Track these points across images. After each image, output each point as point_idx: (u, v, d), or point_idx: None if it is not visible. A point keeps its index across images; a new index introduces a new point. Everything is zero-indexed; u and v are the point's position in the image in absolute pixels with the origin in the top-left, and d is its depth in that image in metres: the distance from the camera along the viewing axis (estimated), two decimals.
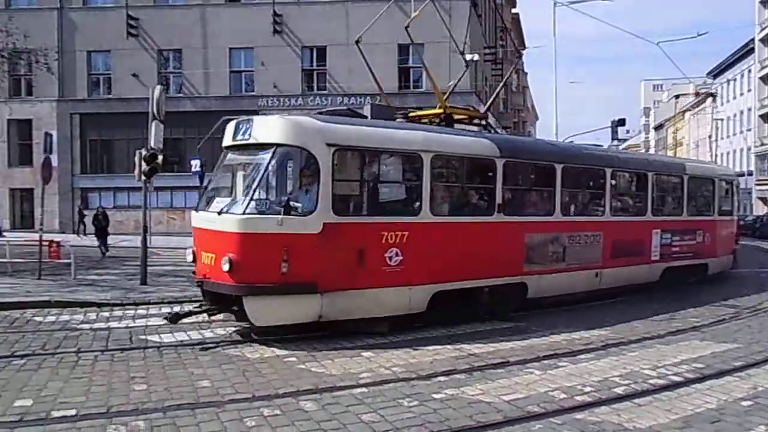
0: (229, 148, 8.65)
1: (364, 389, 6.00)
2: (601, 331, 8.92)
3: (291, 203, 7.63)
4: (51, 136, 15.97)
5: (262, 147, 8.08)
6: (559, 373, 6.70)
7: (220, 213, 7.83)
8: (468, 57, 27.77)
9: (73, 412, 5.27)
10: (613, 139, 37.11)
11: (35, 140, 28.74)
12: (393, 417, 5.23)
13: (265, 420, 5.15)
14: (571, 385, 6.21)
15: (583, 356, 7.48)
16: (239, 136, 8.32)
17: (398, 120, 9.84)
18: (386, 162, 8.68)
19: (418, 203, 8.57)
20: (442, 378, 6.42)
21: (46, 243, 14.38)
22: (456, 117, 10.64)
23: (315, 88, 30.20)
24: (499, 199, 9.51)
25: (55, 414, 5.23)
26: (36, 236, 14.45)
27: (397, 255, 8.23)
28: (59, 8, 30.57)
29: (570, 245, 10.61)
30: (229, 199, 8.30)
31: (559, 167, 10.46)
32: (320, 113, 9.14)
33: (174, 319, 8.48)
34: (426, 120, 10.40)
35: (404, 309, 8.52)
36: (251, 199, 7.78)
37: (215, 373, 6.48)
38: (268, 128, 8.11)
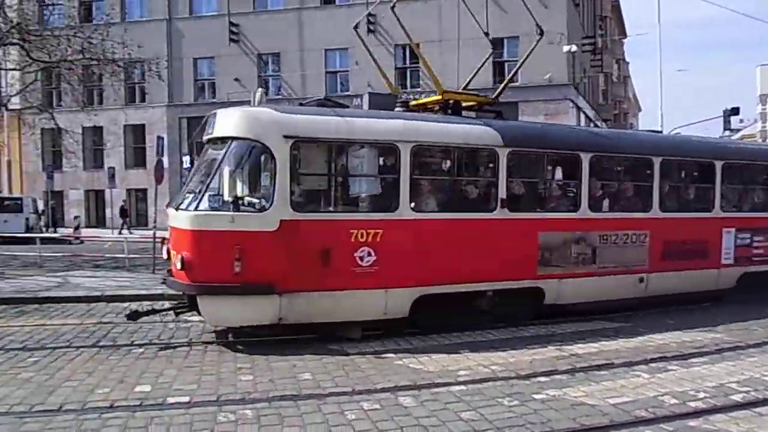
0: (205, 143, 8.44)
1: (462, 387, 5.97)
2: (714, 334, 8.37)
3: (242, 199, 7.40)
4: (162, 139, 17.02)
5: (222, 141, 7.83)
6: (668, 377, 6.36)
7: (177, 209, 7.70)
8: (565, 48, 27.03)
9: (186, 399, 5.59)
10: (725, 130, 34.74)
11: (148, 144, 30.77)
12: (493, 416, 5.17)
13: (366, 414, 5.23)
14: (682, 390, 5.87)
15: (695, 360, 7.06)
16: (208, 130, 8.09)
17: (396, 109, 8.91)
18: (356, 154, 7.95)
19: (395, 198, 7.82)
20: (542, 378, 6.27)
21: (159, 240, 15.32)
22: (464, 104, 9.48)
23: (408, 86, 30.32)
24: (502, 194, 8.47)
25: (171, 400, 5.57)
26: (150, 233, 15.42)
27: (369, 255, 7.59)
28: (168, 19, 32.49)
29: (602, 245, 9.29)
30: (191, 196, 7.95)
31: (586, 157, 9.16)
32: (300, 104, 8.90)
33: (133, 316, 8.28)
34: (430, 109, 9.51)
35: (379, 314, 7.82)
36: (204, 195, 7.51)
37: (316, 367, 6.65)
38: (226, 121, 7.83)
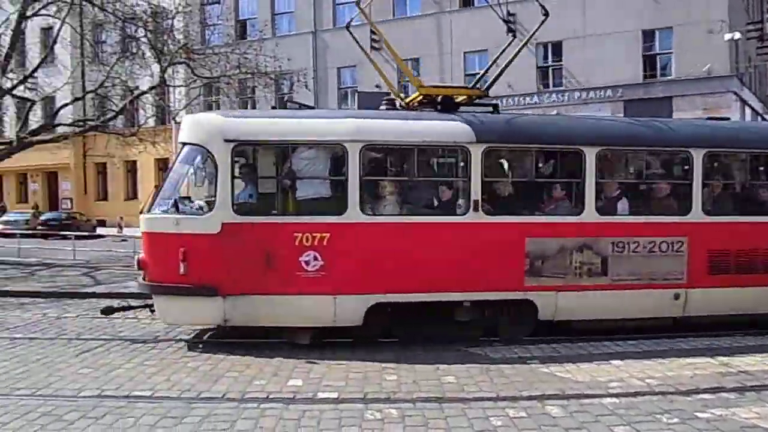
0: None
1: (614, 399, 5.66)
2: None
3: (186, 202, 7.76)
4: None
5: (181, 146, 8.20)
6: None
7: (140, 212, 8.10)
8: (727, 36, 24.78)
9: (335, 395, 5.82)
10: None
11: None
12: None
13: (511, 421, 5.13)
14: None
15: None
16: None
17: (381, 108, 8.46)
18: (303, 156, 7.64)
19: (343, 201, 7.44)
20: (706, 395, 5.77)
21: None
22: (457, 99, 8.62)
23: (551, 84, 29.41)
24: (476, 196, 7.62)
25: (321, 395, 5.83)
26: None
27: (316, 259, 7.35)
28: (313, 32, 34.15)
29: (616, 254, 7.97)
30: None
31: (591, 152, 7.90)
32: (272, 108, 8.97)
33: (107, 311, 8.56)
34: (414, 107, 8.74)
35: (328, 320, 7.51)
36: (158, 198, 7.93)
37: (459, 371, 6.63)
38: (182, 127, 8.18)
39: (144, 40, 18.10)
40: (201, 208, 7.90)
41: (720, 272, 8.23)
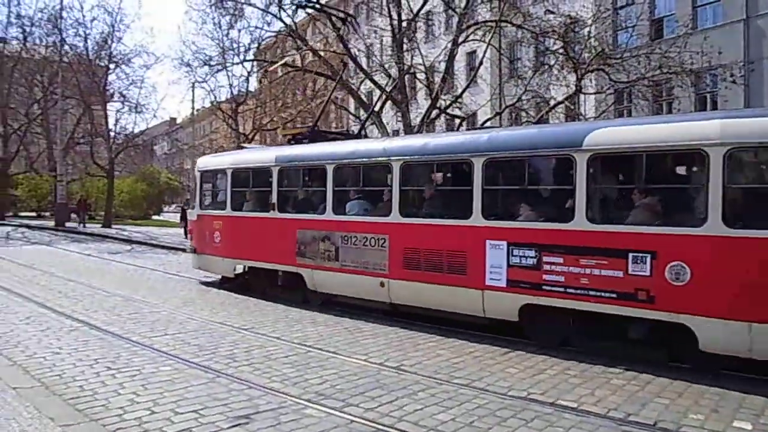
0: None
1: None
2: None
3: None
4: None
5: None
6: None
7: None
8: None
9: None
10: None
11: None
12: None
13: None
14: None
15: None
16: None
17: None
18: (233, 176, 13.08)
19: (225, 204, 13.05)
20: None
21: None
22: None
23: None
24: (273, 199, 11.67)
25: None
26: None
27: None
28: (744, 19, 29.86)
29: (344, 245, 10.31)
30: None
31: (330, 167, 10.64)
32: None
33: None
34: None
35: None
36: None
37: None
38: None
39: (560, 51, 18.44)
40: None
41: (412, 267, 9.32)
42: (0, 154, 43.70)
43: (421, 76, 22.57)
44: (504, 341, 8.33)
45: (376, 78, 23.38)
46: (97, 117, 39.21)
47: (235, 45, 30.31)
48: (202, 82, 30.86)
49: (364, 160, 10.36)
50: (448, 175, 9.87)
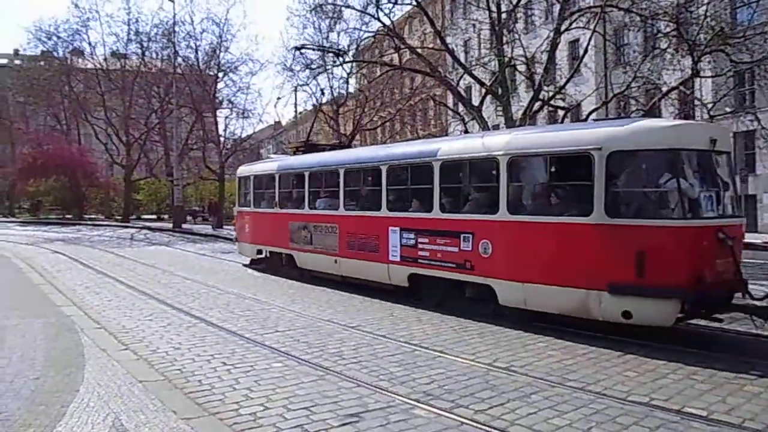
0: None
1: None
2: None
3: None
4: None
5: None
6: None
7: None
8: None
9: None
10: None
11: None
12: None
13: None
14: None
15: None
16: None
17: None
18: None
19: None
20: None
21: None
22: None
23: None
24: (276, 198, 15.48)
25: None
26: None
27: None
28: None
29: (315, 233, 13.57)
30: None
31: (306, 173, 14.33)
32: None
33: None
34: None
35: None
36: None
37: None
38: None
39: (673, 33, 17.29)
40: None
41: (352, 248, 12.45)
42: (124, 161, 47.16)
43: (521, 68, 21.98)
44: (618, 342, 7.87)
45: (475, 72, 23.02)
46: (208, 124, 41.40)
47: (334, 47, 30.93)
48: (304, 85, 31.61)
49: (325, 167, 13.78)
50: (369, 178, 12.60)
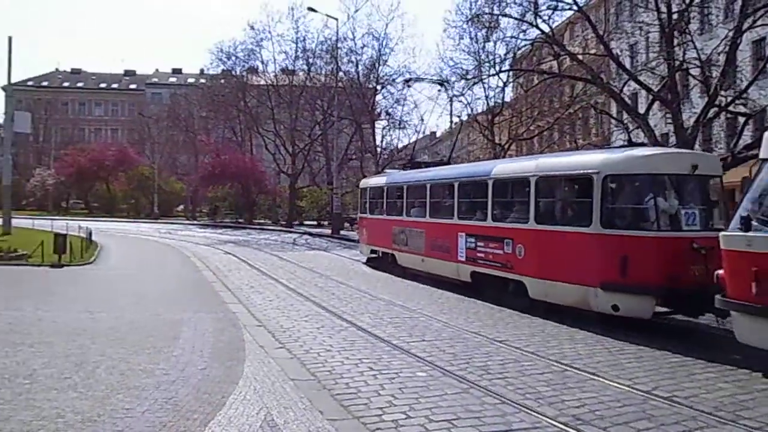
0: None
1: None
2: None
3: None
4: None
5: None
6: None
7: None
8: None
9: None
10: None
11: None
12: None
13: None
14: None
15: None
16: None
17: None
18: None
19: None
20: None
21: None
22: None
23: None
24: (384, 207, 18.55)
25: None
26: None
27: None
28: None
29: (409, 236, 16.24)
30: None
31: (405, 186, 17.42)
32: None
33: None
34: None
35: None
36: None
37: None
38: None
39: None
40: None
41: (434, 249, 15.04)
42: (289, 170, 50.41)
43: (695, 72, 20.22)
44: None
45: (641, 78, 21.60)
46: (366, 134, 42.95)
47: (490, 57, 30.69)
48: (459, 95, 31.67)
49: (417, 182, 16.55)
50: (446, 191, 14.99)
